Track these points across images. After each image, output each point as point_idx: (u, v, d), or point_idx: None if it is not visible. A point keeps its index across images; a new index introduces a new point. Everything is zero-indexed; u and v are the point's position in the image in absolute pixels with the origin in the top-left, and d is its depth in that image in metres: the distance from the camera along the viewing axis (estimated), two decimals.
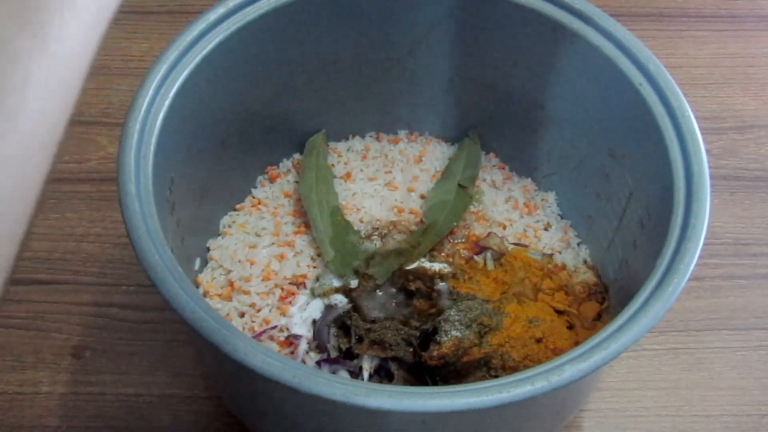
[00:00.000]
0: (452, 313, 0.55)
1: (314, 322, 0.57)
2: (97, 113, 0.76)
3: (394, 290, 0.59)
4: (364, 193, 0.65)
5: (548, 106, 0.62)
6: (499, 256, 0.61)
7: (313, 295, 0.59)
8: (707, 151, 0.49)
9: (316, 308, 0.58)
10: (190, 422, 0.59)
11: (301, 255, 0.61)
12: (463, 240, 0.62)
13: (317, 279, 0.60)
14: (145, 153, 0.48)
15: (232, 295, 0.59)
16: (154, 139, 0.49)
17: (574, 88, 0.59)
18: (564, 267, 0.62)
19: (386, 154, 0.68)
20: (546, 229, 0.65)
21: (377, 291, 0.59)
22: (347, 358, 0.56)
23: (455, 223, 0.62)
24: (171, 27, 0.83)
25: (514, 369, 0.53)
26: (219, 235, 0.63)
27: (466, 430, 0.47)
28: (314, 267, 0.60)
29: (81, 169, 0.73)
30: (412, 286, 0.58)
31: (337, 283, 0.59)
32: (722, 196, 0.73)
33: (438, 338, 0.53)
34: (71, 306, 0.65)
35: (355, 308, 0.58)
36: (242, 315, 0.58)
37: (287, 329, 0.57)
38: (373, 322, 0.56)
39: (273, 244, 0.61)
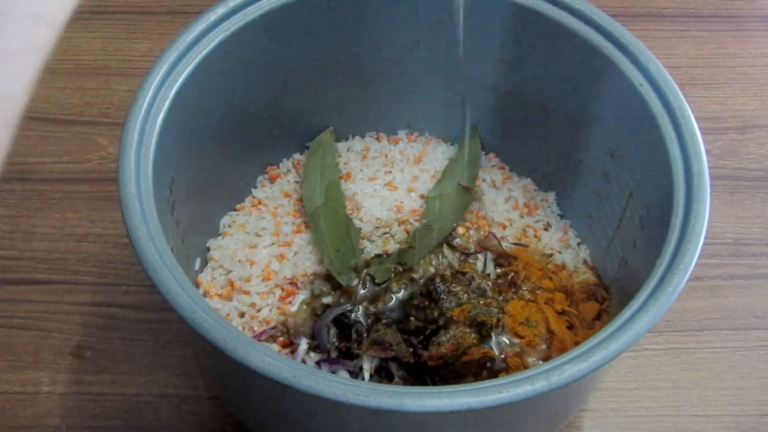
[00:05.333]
0: (452, 313, 0.55)
1: (314, 322, 0.57)
2: (97, 113, 0.77)
3: (394, 290, 0.59)
4: (364, 193, 0.65)
5: (548, 106, 0.62)
6: (499, 256, 0.61)
7: (313, 294, 0.59)
8: (707, 151, 0.49)
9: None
10: (190, 422, 0.59)
11: (301, 255, 0.61)
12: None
13: (317, 279, 0.59)
14: (145, 153, 0.48)
15: (232, 295, 0.59)
16: (154, 139, 0.49)
17: (574, 88, 0.59)
18: (564, 267, 0.62)
19: (386, 154, 0.68)
20: (546, 229, 0.65)
21: (377, 291, 0.59)
22: (347, 358, 0.56)
23: (455, 223, 0.62)
24: (171, 27, 0.82)
25: (514, 369, 0.53)
26: (219, 235, 0.63)
27: (466, 430, 0.47)
28: (314, 267, 0.60)
29: (81, 169, 0.73)
30: (412, 286, 0.58)
31: (336, 283, 0.59)
32: (722, 196, 0.73)
33: (438, 338, 0.53)
34: (71, 306, 0.65)
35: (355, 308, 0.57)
36: (242, 315, 0.58)
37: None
38: (373, 321, 0.56)
39: (273, 244, 0.61)
